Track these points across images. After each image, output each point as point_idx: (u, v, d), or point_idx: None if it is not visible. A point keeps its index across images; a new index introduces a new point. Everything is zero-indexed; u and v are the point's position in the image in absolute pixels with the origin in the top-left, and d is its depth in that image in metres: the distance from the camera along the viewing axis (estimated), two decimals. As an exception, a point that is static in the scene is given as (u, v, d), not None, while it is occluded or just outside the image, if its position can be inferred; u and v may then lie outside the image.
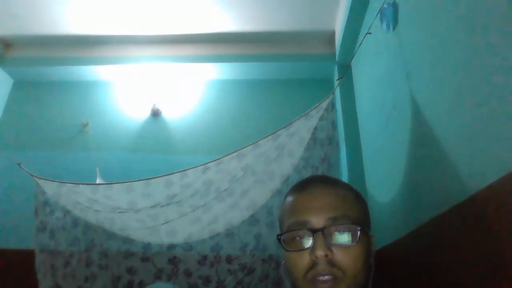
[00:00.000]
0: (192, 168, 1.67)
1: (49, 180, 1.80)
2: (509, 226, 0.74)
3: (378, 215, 1.68)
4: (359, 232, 0.64)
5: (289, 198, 0.73)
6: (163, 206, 1.70)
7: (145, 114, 2.79)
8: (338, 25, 2.50)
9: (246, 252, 1.76)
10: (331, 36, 2.69)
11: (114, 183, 1.72)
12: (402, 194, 1.43)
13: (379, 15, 1.57)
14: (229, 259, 1.78)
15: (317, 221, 0.65)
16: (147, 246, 1.81)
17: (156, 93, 2.82)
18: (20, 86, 2.94)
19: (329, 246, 0.63)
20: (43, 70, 2.84)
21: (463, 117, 0.98)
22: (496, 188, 0.80)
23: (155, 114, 2.78)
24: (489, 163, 0.84)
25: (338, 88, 2.11)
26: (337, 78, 2.49)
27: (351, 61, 2.07)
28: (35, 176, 1.83)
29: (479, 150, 0.89)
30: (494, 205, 0.80)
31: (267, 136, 1.66)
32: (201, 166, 1.67)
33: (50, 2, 2.42)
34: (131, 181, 1.70)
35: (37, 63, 2.81)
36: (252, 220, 1.74)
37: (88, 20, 2.59)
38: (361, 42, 1.69)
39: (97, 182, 2.20)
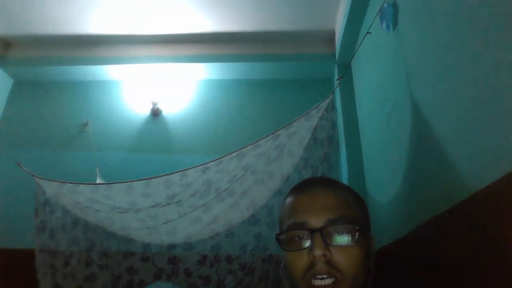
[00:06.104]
0: (192, 168, 1.67)
1: (49, 180, 1.80)
2: (509, 226, 0.74)
3: (378, 215, 1.68)
4: (357, 233, 0.64)
5: (288, 199, 0.73)
6: (163, 206, 1.70)
7: (145, 114, 2.80)
8: (338, 25, 2.50)
9: (246, 252, 1.76)
10: (331, 36, 2.69)
11: (114, 183, 1.72)
12: (402, 194, 1.43)
13: (379, 15, 1.57)
14: (229, 259, 1.78)
15: (316, 221, 0.65)
16: (147, 246, 1.81)
17: (156, 93, 2.81)
18: (20, 86, 2.93)
19: (327, 246, 0.62)
20: (43, 70, 2.84)
21: (463, 117, 0.97)
22: (496, 188, 0.80)
23: (155, 114, 2.77)
24: (489, 163, 0.84)
25: (338, 88, 2.11)
26: (337, 78, 2.49)
27: (351, 61, 2.07)
28: (35, 176, 1.83)
29: (479, 150, 0.89)
30: (494, 205, 0.80)
31: (267, 136, 1.66)
32: (201, 166, 1.67)
33: (50, 2, 2.42)
34: (131, 181, 1.70)
35: (37, 63, 2.81)
36: (252, 220, 1.74)
37: (88, 20, 2.59)
38: (361, 42, 1.69)
39: (97, 182, 2.20)
